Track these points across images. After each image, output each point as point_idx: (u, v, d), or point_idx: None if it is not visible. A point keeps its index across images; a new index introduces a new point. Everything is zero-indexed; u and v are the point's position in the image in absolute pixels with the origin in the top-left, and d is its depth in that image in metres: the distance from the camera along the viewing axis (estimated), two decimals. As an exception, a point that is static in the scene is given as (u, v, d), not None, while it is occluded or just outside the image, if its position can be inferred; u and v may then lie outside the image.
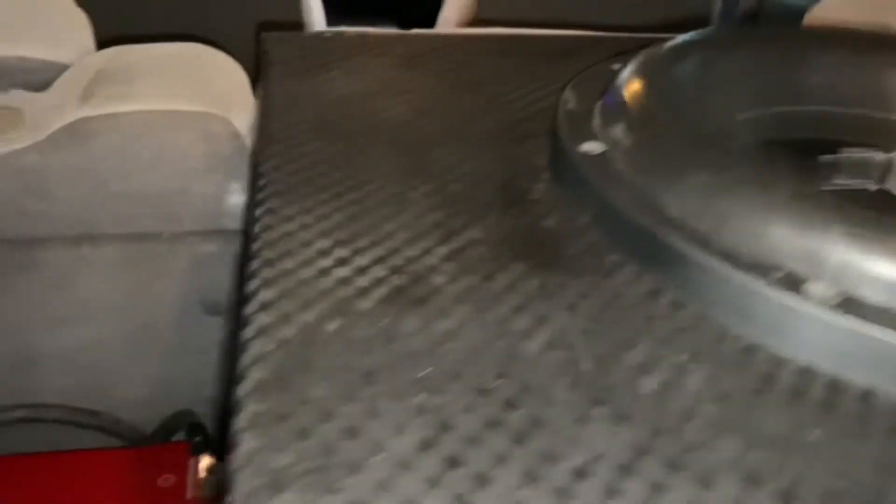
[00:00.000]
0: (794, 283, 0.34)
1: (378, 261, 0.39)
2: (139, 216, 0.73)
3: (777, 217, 0.36)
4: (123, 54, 0.77)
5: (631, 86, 0.49)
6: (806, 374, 0.33)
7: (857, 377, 0.33)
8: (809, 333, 0.34)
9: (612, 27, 0.87)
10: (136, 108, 0.71)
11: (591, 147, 0.46)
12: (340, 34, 0.70)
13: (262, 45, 0.66)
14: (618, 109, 0.48)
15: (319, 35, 0.71)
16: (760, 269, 0.35)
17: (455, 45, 0.68)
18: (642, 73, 0.50)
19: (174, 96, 0.72)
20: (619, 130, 0.46)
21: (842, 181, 0.50)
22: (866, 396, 0.32)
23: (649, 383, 0.32)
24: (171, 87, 0.72)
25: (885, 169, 0.50)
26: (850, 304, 0.33)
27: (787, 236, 0.36)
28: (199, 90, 0.74)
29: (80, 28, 0.82)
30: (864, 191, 0.50)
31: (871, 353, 0.33)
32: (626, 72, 0.51)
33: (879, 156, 0.50)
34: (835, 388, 0.33)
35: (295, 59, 0.62)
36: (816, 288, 0.34)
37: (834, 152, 0.51)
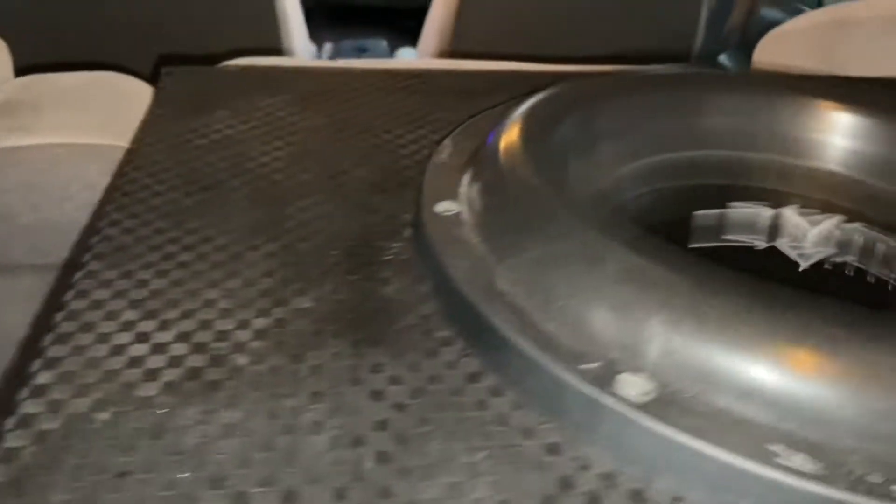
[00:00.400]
0: (606, 377, 0.32)
1: (183, 337, 0.36)
2: (52, 247, 0.72)
3: (597, 299, 0.33)
4: (35, 84, 0.76)
5: (500, 136, 0.46)
6: (608, 481, 0.30)
7: (665, 485, 0.30)
8: (615, 434, 0.31)
9: (593, 58, 0.85)
10: (39, 142, 0.69)
11: (447, 207, 0.43)
12: (245, 69, 0.68)
13: (159, 80, 0.64)
14: (480, 164, 0.45)
15: (224, 70, 0.68)
16: (575, 358, 0.32)
17: (363, 80, 0.66)
18: (517, 121, 0.47)
19: (80, 129, 0.70)
20: (475, 190, 0.43)
21: (731, 237, 0.47)
22: (671, 508, 0.29)
23: (431, 489, 0.30)
24: (79, 118, 0.71)
25: (774, 225, 0.47)
26: (659, 404, 0.30)
27: (605, 321, 0.33)
28: (108, 121, 0.72)
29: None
30: (752, 249, 0.47)
31: (679, 460, 0.30)
32: (505, 119, 0.48)
33: (766, 212, 0.47)
34: (638, 497, 0.30)
35: (186, 97, 0.60)
36: (629, 383, 0.31)
37: (727, 199, 0.48)
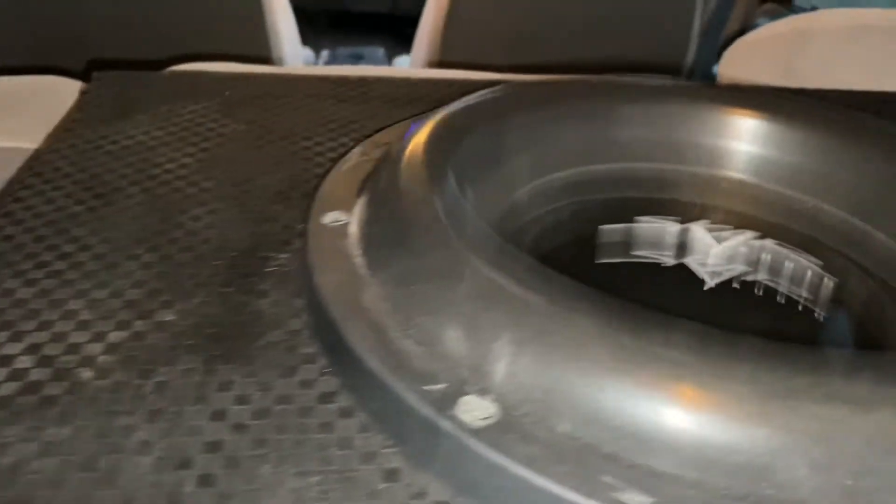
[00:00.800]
0: (449, 399, 0.30)
1: (32, 349, 0.35)
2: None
3: (449, 316, 0.32)
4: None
5: (404, 146, 0.44)
6: (440, 511, 0.28)
7: (501, 516, 0.28)
8: (452, 461, 0.29)
9: (583, 69, 0.82)
10: (-29, 146, 0.68)
11: (336, 217, 0.42)
12: (176, 75, 0.67)
13: (87, 84, 0.63)
14: (376, 174, 0.44)
15: (154, 75, 0.67)
16: (425, 378, 0.31)
17: (297, 87, 0.65)
18: (425, 131, 0.45)
19: (10, 133, 0.69)
20: (365, 201, 0.42)
21: (640, 253, 0.46)
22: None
23: (250, 517, 0.28)
24: (9, 123, 0.70)
25: (682, 242, 0.45)
26: (497, 429, 0.29)
27: (455, 340, 0.31)
28: (41, 126, 0.71)
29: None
30: (660, 266, 0.45)
31: (512, 490, 0.28)
32: (414, 128, 0.46)
33: (673, 227, 0.45)
34: (470, 528, 0.28)
35: (110, 102, 0.59)
36: (472, 406, 0.29)
37: (639, 213, 0.46)
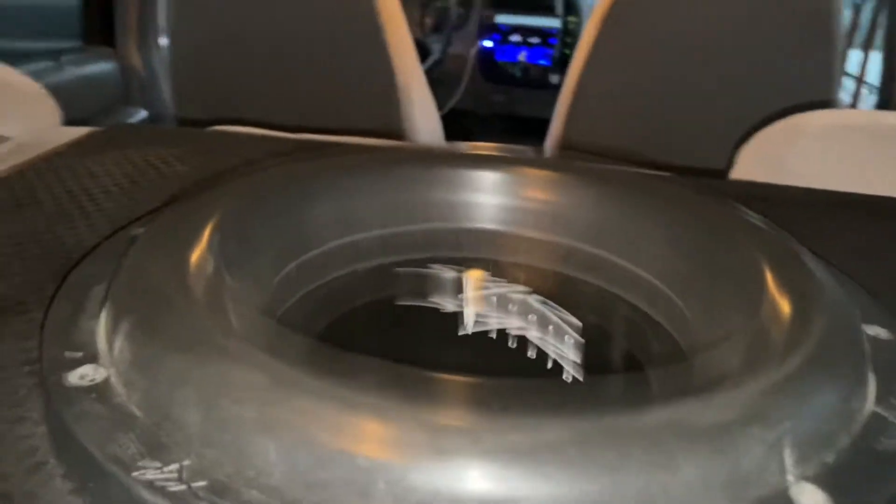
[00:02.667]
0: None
1: None
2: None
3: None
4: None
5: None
6: None
7: None
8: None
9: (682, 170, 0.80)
10: None
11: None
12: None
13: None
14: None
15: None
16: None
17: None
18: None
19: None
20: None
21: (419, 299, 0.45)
22: None
23: None
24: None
25: (458, 287, 0.44)
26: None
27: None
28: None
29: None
30: (436, 311, 0.44)
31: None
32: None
33: (449, 273, 0.45)
34: None
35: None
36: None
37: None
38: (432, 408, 0.26)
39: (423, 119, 1.40)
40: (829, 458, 0.28)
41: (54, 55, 1.81)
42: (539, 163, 0.51)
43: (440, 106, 1.53)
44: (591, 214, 0.45)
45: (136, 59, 2.03)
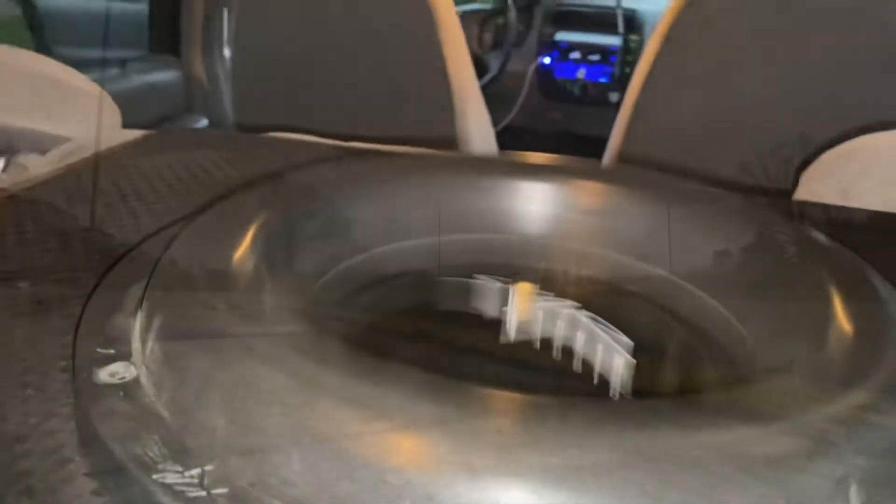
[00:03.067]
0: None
1: None
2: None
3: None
4: None
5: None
6: None
7: None
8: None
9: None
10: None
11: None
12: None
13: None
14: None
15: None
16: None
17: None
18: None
19: None
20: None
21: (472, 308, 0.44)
22: None
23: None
24: None
25: (503, 299, 0.43)
26: None
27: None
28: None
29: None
30: (480, 322, 0.43)
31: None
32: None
33: (495, 283, 0.43)
34: None
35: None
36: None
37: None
38: (467, 422, 0.25)
39: (478, 134, 1.39)
40: (899, 499, 0.25)
41: (121, 63, 1.85)
42: (597, 174, 0.49)
43: (496, 122, 1.52)
44: (647, 229, 0.43)
45: (199, 69, 2.07)
